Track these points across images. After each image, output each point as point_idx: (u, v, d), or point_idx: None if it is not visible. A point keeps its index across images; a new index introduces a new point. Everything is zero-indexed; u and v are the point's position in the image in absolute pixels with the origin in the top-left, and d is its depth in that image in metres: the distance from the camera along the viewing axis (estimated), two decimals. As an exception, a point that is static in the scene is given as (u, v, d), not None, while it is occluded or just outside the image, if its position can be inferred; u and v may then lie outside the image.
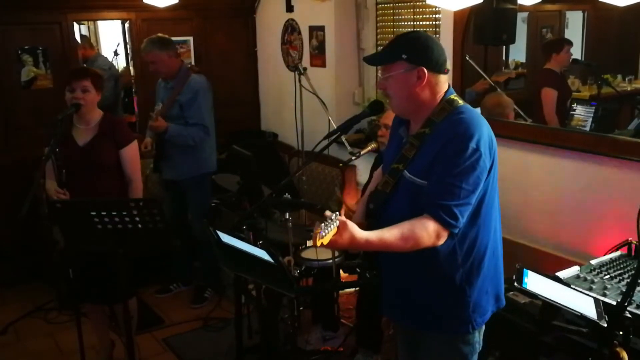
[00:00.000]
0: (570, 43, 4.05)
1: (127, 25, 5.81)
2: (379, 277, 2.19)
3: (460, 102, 2.00)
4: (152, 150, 4.23)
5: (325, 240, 1.67)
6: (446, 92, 2.00)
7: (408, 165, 1.99)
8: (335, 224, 1.69)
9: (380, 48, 4.63)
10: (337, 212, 1.72)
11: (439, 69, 1.97)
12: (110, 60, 6.07)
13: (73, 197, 3.06)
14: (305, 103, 4.51)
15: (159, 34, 4.19)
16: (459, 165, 1.86)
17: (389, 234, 1.83)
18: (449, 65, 2.08)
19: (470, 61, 3.68)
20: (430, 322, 2.10)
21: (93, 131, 3.23)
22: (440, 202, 1.86)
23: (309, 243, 3.49)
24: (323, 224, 1.65)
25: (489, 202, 2.01)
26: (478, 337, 2.11)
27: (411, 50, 1.94)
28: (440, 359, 2.15)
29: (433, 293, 2.05)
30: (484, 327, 2.13)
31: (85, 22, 6.49)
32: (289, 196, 3.26)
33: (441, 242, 1.89)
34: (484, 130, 1.93)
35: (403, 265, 2.06)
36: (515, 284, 2.05)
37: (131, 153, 3.29)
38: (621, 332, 1.93)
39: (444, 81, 2.01)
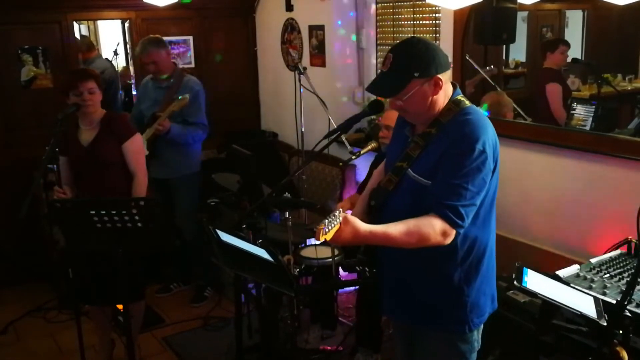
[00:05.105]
0: (566, 44, 4.04)
1: (127, 24, 5.81)
2: (378, 275, 2.20)
3: (467, 103, 2.00)
4: (145, 151, 4.22)
5: (329, 236, 1.68)
6: (453, 92, 2.01)
7: (412, 164, 1.99)
8: (338, 220, 1.71)
9: (379, 48, 4.65)
10: (341, 210, 1.73)
11: (447, 68, 1.96)
12: (110, 61, 6.04)
13: (82, 196, 3.07)
14: (305, 102, 4.51)
15: (151, 35, 4.25)
16: (465, 166, 1.87)
17: (394, 228, 1.83)
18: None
19: (471, 61, 3.68)
20: (428, 320, 2.10)
21: (95, 130, 3.24)
22: (447, 202, 1.87)
23: (309, 241, 3.49)
24: (327, 220, 1.67)
25: (489, 203, 2.02)
26: (477, 336, 2.12)
27: (420, 66, 1.90)
28: (438, 357, 2.15)
29: (431, 291, 2.06)
30: (482, 325, 2.13)
31: (85, 22, 6.48)
32: (288, 195, 3.26)
33: (448, 241, 1.89)
34: (490, 132, 1.94)
35: (402, 263, 2.06)
36: (515, 282, 2.04)
37: (133, 146, 3.29)
38: (621, 331, 1.93)
39: (450, 77, 2.01)
